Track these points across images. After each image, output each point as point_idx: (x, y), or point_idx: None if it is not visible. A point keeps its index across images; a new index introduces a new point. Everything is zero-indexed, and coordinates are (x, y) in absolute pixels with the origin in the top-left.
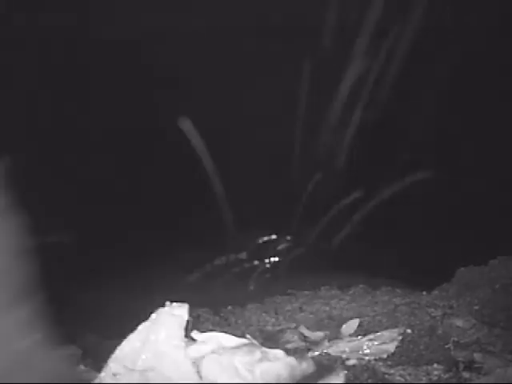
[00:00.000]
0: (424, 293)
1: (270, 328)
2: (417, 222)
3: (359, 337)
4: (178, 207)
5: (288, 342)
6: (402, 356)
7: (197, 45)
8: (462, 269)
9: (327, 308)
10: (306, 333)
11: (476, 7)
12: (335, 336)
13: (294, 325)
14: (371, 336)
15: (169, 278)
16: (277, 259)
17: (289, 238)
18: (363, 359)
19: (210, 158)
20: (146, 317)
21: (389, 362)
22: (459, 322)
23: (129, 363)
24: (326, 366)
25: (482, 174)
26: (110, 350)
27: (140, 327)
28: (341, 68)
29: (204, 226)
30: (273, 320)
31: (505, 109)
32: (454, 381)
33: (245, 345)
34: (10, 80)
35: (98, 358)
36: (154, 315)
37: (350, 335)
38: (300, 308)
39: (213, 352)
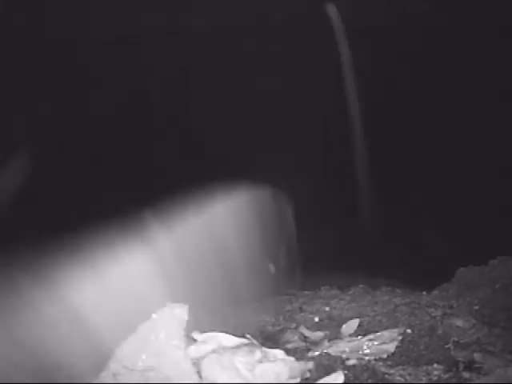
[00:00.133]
0: (424, 293)
1: (269, 328)
2: (417, 222)
3: (359, 337)
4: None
5: (288, 341)
6: (402, 356)
7: (197, 45)
8: (462, 269)
9: (327, 308)
10: (306, 333)
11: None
12: (335, 336)
13: (294, 325)
14: (371, 336)
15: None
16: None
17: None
18: (363, 359)
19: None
20: (146, 317)
21: (389, 362)
22: (459, 322)
23: (129, 363)
24: (326, 365)
25: (482, 173)
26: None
27: (140, 327)
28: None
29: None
30: (273, 320)
31: (504, 108)
32: (454, 381)
33: (245, 345)
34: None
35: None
36: (154, 315)
37: (350, 335)
38: (300, 308)
39: (213, 352)
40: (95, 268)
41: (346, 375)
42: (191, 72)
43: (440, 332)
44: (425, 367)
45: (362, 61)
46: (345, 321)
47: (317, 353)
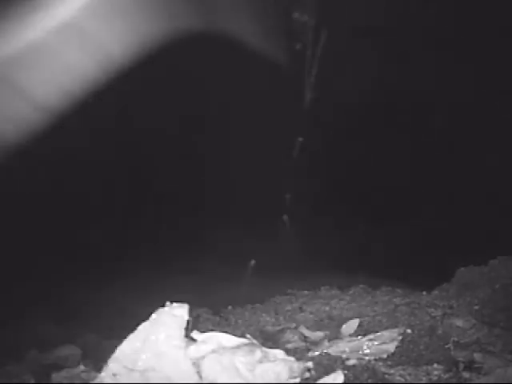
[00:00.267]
0: (424, 293)
1: (270, 328)
2: (417, 222)
3: (359, 337)
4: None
5: (288, 341)
6: (402, 356)
7: (196, 45)
8: (462, 269)
9: (327, 308)
10: (306, 333)
11: None
12: (335, 336)
13: (294, 325)
14: (371, 336)
15: (169, 278)
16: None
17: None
18: (363, 359)
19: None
20: (145, 317)
21: (389, 362)
22: (459, 322)
23: (129, 363)
24: (326, 365)
25: (481, 173)
26: (110, 350)
27: (140, 327)
28: None
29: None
30: (273, 320)
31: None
32: (454, 381)
33: (245, 345)
34: None
35: (98, 358)
36: (154, 315)
37: (350, 335)
38: (300, 308)
39: (213, 352)
40: None
41: (345, 375)
42: (191, 72)
43: (440, 332)
44: (425, 367)
45: (361, 60)
46: (345, 321)
47: (317, 353)
